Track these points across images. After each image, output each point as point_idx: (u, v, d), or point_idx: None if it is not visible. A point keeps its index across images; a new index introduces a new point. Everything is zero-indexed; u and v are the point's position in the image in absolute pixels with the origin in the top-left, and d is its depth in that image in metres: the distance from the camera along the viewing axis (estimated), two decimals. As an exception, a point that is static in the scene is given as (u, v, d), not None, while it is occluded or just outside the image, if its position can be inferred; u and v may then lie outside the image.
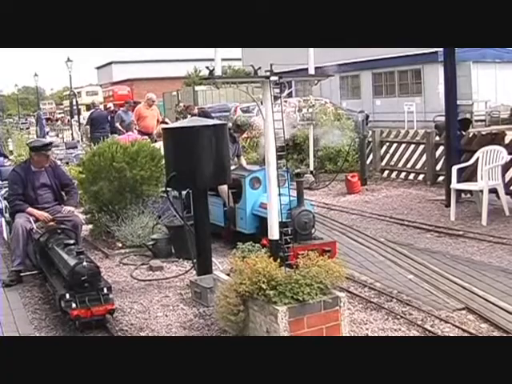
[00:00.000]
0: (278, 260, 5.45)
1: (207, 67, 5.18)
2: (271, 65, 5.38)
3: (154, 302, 7.10)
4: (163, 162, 9.74)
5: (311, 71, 5.57)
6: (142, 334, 6.14)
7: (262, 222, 8.24)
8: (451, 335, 5.67)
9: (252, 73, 5.32)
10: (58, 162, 8.53)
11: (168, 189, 7.67)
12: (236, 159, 10.54)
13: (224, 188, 9.13)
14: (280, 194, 7.88)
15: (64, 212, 8.29)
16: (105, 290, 6.19)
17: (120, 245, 9.43)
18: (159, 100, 56.54)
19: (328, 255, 7.21)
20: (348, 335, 5.49)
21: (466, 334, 5.65)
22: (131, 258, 9.05)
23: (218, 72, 5.22)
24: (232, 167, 9.18)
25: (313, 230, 8.08)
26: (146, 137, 15.32)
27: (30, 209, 8.20)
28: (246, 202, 8.90)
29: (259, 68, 5.41)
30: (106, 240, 9.74)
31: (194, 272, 7.62)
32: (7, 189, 9.60)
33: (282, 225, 7.68)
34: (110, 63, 75.90)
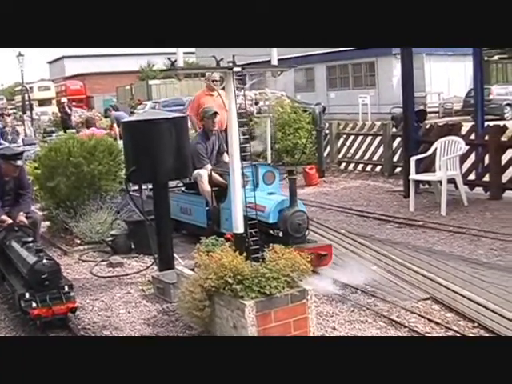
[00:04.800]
0: (244, 254, 5.38)
1: (169, 58, 5.08)
2: (233, 56, 5.30)
3: (115, 298, 6.99)
4: (121, 156, 9.65)
5: (274, 62, 5.51)
6: (106, 332, 6.01)
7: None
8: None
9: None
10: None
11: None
12: (219, 157, 9.63)
13: (206, 187, 8.79)
14: (270, 193, 7.71)
15: (18, 221, 7.79)
16: (66, 288, 6.05)
17: (78, 241, 9.26)
18: (112, 95, 56.36)
19: (323, 259, 7.18)
20: (319, 335, 5.46)
21: (432, 324, 5.67)
22: (90, 254, 8.89)
23: (179, 64, 5.13)
24: (208, 166, 8.98)
25: (306, 232, 7.68)
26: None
27: (4, 217, 7.78)
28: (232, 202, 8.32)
29: (221, 59, 5.33)
30: (64, 237, 9.56)
31: (155, 267, 7.53)
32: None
33: (272, 226, 7.57)
34: (62, 58, 74.96)
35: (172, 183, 9.61)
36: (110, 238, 8.88)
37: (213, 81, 10.99)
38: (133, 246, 8.80)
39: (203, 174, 8.91)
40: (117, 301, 6.91)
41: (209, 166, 9.02)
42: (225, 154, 9.52)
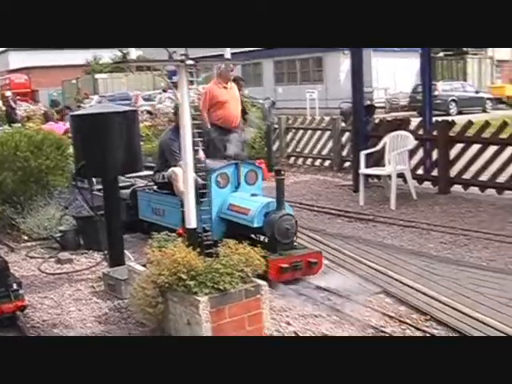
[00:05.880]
0: (198, 249, 5.33)
1: (121, 50, 4.99)
2: (186, 49, 5.23)
3: (65, 296, 6.84)
4: (69, 150, 9.48)
5: (227, 55, 5.46)
6: (56, 330, 5.88)
7: (230, 227, 7.27)
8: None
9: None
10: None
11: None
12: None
13: (181, 186, 7.70)
14: (253, 194, 7.45)
15: None
16: (14, 286, 5.91)
17: (26, 237, 9.04)
18: (58, 88, 55.52)
19: (313, 267, 6.81)
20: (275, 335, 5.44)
21: (386, 318, 5.69)
22: (38, 251, 8.69)
23: (131, 56, 5.04)
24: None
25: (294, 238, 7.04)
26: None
27: None
28: (212, 204, 7.29)
29: (174, 52, 5.25)
30: (11, 233, 9.33)
31: (106, 264, 7.41)
32: None
33: (256, 231, 7.15)
34: (6, 51, 73.53)
35: (142, 182, 9.42)
36: (59, 234, 8.70)
37: (224, 70, 9.30)
38: (82, 242, 8.65)
39: (178, 172, 8.02)
40: (67, 298, 6.77)
41: None
42: (200, 150, 7.70)
